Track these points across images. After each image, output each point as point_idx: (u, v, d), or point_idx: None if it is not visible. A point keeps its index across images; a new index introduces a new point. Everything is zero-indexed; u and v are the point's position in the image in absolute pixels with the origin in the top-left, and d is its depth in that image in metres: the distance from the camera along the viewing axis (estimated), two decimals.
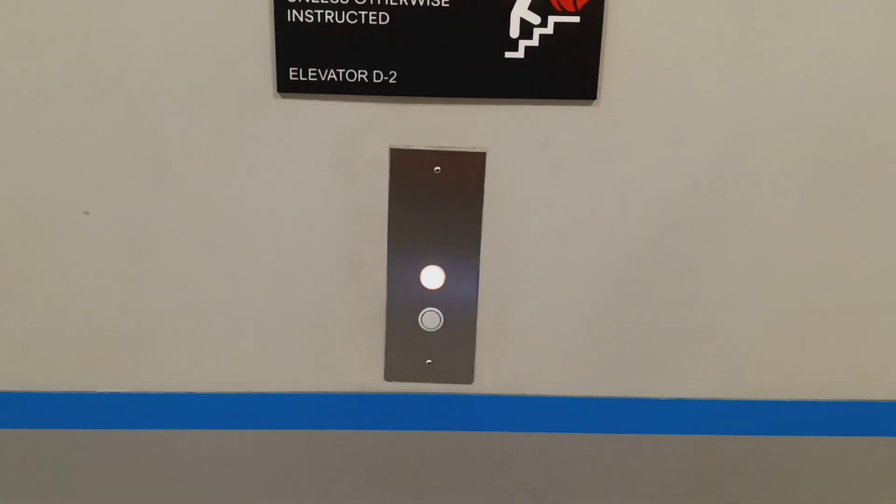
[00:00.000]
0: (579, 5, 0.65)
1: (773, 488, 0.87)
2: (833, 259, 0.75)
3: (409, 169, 0.71)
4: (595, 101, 0.69)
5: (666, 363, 0.80)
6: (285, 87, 0.68)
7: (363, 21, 0.66)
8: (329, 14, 0.66)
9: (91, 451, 0.83)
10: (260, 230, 0.74)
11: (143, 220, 0.73)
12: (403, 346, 0.78)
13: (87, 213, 0.72)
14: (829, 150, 0.71)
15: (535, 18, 0.66)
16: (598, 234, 0.74)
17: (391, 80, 0.68)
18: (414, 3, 0.65)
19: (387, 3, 0.65)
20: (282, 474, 0.86)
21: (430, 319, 0.77)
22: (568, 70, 0.67)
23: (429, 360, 0.79)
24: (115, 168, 0.71)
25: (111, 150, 0.70)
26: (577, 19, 0.66)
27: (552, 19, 0.66)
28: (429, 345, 0.78)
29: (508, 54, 0.67)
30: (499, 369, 0.80)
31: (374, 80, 0.68)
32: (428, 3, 0.65)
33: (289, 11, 0.66)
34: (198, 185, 0.72)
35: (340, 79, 0.68)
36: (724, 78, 0.68)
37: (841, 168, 0.72)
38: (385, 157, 0.71)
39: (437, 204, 0.73)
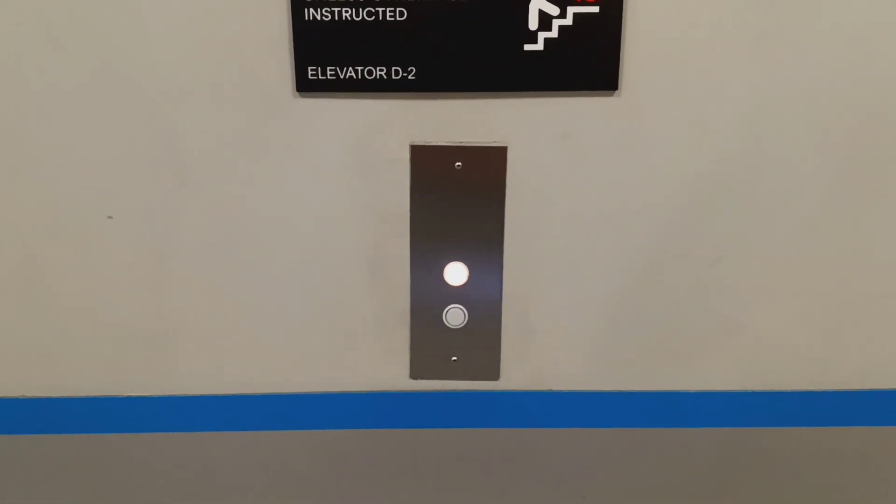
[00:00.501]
0: None
1: (805, 481, 0.86)
2: (862, 245, 0.74)
3: (429, 165, 0.71)
4: (616, 92, 0.68)
5: (694, 355, 0.79)
6: (304, 86, 0.68)
7: (380, 18, 0.66)
8: (346, 12, 0.66)
9: (118, 454, 0.84)
10: (282, 230, 0.74)
11: (165, 223, 0.73)
12: (428, 344, 0.78)
13: (110, 217, 0.73)
14: (856, 135, 0.70)
15: (553, 10, 0.65)
16: (623, 225, 0.73)
17: (410, 77, 0.68)
18: None
19: None
20: (308, 474, 0.86)
21: (455, 316, 0.77)
22: (588, 61, 0.67)
23: (454, 358, 0.79)
24: (137, 171, 0.71)
25: (132, 153, 0.70)
26: (596, 9, 0.65)
27: (571, 10, 0.65)
28: (454, 342, 0.78)
29: (528, 47, 0.66)
30: (525, 365, 0.79)
31: (393, 77, 0.68)
32: None
33: (306, 10, 0.65)
34: (219, 187, 0.72)
35: (359, 76, 0.68)
36: (747, 64, 0.67)
37: (869, 153, 0.71)
38: (406, 154, 0.71)
39: (458, 199, 0.72)
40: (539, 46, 0.66)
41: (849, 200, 0.73)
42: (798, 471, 0.85)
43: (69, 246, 0.74)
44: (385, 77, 0.68)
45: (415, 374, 0.80)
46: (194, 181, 0.72)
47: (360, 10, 0.66)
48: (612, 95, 0.68)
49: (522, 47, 0.67)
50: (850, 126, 0.70)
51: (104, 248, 0.74)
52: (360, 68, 0.67)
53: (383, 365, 0.79)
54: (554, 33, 0.66)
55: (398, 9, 0.66)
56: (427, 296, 0.76)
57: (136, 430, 0.82)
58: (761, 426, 0.83)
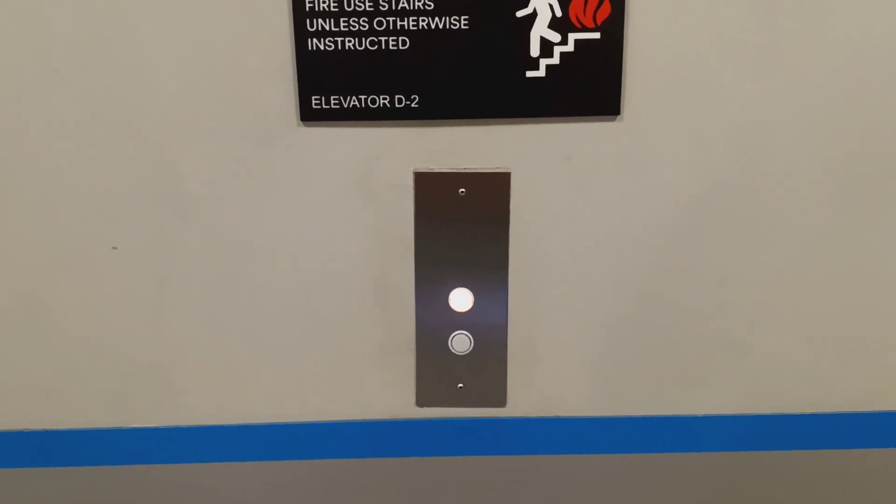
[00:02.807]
0: (599, 21, 0.65)
1: None
2: (869, 264, 0.74)
3: (433, 192, 0.71)
4: (619, 117, 0.68)
5: (701, 379, 0.79)
6: (308, 115, 0.68)
7: (383, 46, 0.66)
8: (349, 41, 0.66)
9: (120, 486, 0.83)
10: (286, 260, 0.73)
11: (169, 254, 0.73)
12: (434, 371, 0.78)
13: (114, 248, 0.73)
14: (858, 155, 0.70)
15: (555, 36, 0.66)
16: (627, 249, 0.73)
17: (413, 105, 0.68)
18: (433, 26, 0.66)
19: (406, 27, 0.66)
20: None
21: (461, 343, 0.76)
22: (590, 86, 0.67)
23: (460, 385, 0.78)
24: (139, 202, 0.71)
25: (134, 184, 0.70)
26: (597, 35, 0.66)
27: (572, 36, 0.66)
28: (460, 368, 0.77)
29: (530, 73, 0.67)
30: (531, 391, 0.79)
31: (397, 105, 0.68)
32: (448, 26, 0.66)
33: (309, 40, 0.66)
34: (223, 217, 0.72)
35: (363, 105, 0.68)
36: (749, 86, 0.68)
37: (872, 170, 0.71)
38: (409, 181, 0.71)
39: (463, 226, 0.72)
40: (541, 73, 0.67)
41: (853, 220, 0.73)
42: (808, 495, 0.84)
43: (71, 278, 0.74)
44: (388, 105, 0.68)
45: (421, 401, 0.79)
46: (198, 212, 0.72)
47: (363, 39, 0.66)
48: (614, 120, 0.69)
49: (524, 74, 0.67)
50: (852, 146, 0.70)
51: (106, 280, 0.74)
52: (363, 97, 0.68)
53: (389, 393, 0.79)
54: (556, 60, 0.66)
55: (401, 38, 0.66)
56: (432, 322, 0.76)
57: (139, 461, 0.81)
58: (770, 450, 0.82)
